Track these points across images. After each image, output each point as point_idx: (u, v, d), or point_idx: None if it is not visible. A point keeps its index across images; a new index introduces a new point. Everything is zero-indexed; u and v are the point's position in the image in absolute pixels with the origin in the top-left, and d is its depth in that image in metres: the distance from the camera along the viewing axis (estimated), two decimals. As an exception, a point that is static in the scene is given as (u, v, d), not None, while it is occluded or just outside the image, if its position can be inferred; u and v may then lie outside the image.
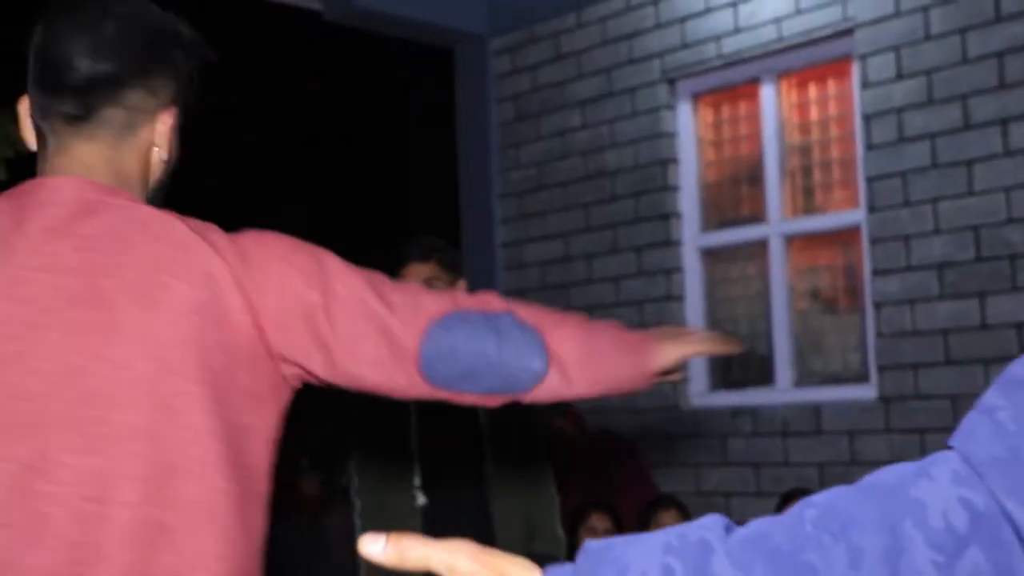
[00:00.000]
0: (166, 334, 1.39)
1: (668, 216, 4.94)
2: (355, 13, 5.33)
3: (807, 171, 4.76)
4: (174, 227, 1.44)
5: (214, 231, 1.48)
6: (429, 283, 2.88)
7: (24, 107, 1.56)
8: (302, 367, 1.49)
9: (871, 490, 0.75)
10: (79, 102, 1.49)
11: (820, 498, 0.76)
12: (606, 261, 5.09)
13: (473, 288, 3.60)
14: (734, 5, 4.72)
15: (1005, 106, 4.03)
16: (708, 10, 4.79)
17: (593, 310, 5.12)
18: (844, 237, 4.60)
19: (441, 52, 5.99)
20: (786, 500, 3.83)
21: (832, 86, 4.69)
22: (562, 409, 4.53)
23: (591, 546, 0.77)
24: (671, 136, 4.98)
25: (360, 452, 3.11)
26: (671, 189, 4.96)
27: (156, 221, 1.45)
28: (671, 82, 4.98)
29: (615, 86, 5.11)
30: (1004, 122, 4.03)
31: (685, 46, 4.88)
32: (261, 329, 1.44)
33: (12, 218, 1.43)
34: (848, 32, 4.44)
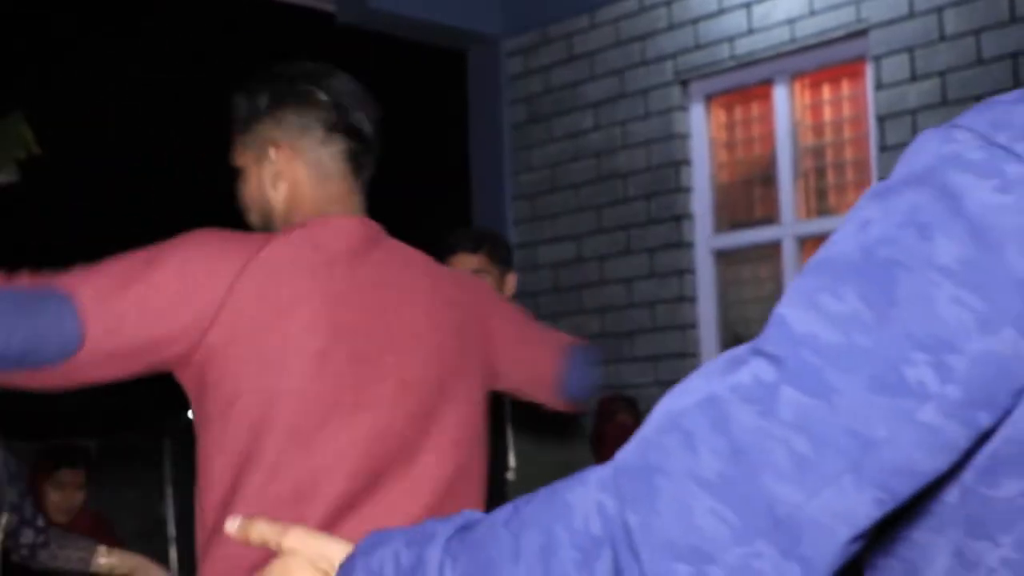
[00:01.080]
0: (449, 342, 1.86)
1: (681, 217, 4.94)
2: (368, 14, 5.34)
3: (820, 173, 4.75)
4: (425, 259, 1.93)
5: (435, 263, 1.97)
6: (477, 275, 2.89)
7: (283, 153, 1.85)
8: None
9: (547, 493, 0.84)
10: (371, 157, 1.91)
11: (521, 500, 0.86)
12: (619, 262, 5.08)
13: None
14: (747, 6, 4.71)
15: (1020, 107, 4.01)
16: (721, 11, 4.79)
17: (606, 311, 5.11)
18: (857, 239, 4.58)
19: (454, 54, 5.99)
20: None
21: (846, 87, 4.68)
22: (628, 403, 4.51)
23: (363, 540, 0.94)
24: (684, 137, 4.97)
25: None
26: (684, 190, 4.95)
27: (410, 252, 1.92)
28: (684, 83, 4.97)
29: (628, 87, 5.10)
30: (1019, 123, 4.01)
31: (698, 47, 4.87)
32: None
33: (313, 247, 1.76)
34: (862, 33, 4.43)
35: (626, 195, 5.08)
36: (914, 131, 4.25)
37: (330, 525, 1.66)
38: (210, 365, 1.67)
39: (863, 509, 0.74)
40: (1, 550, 2.93)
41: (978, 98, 4.09)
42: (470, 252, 2.99)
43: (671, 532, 0.75)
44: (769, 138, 4.85)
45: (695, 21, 4.87)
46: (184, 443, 7.16)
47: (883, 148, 4.34)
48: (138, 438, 7.65)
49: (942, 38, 4.20)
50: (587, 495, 0.80)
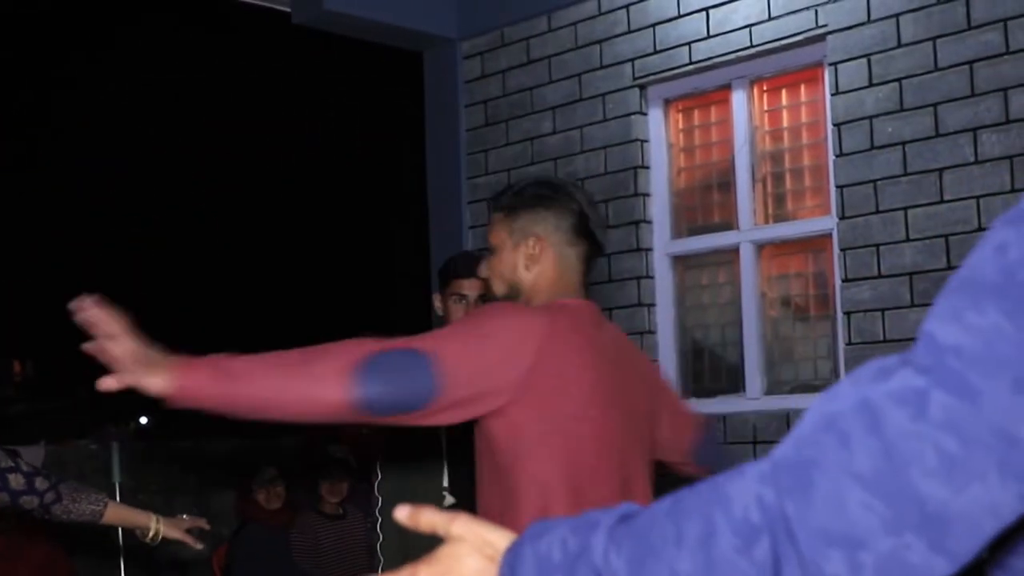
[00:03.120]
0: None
1: (639, 222, 4.91)
2: (324, 15, 5.27)
3: (778, 178, 4.74)
4: (623, 335, 2.48)
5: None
6: (480, 299, 3.01)
7: (541, 245, 2.33)
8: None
9: (707, 485, 0.92)
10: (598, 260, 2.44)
11: (682, 491, 0.94)
12: (576, 267, 5.05)
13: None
14: (706, 11, 4.69)
15: (976, 114, 4.02)
16: (680, 15, 4.77)
17: (563, 317, 5.07)
18: (815, 244, 4.58)
19: (410, 55, 5.94)
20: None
21: (804, 92, 4.68)
22: None
23: (531, 527, 1.03)
24: (642, 142, 4.95)
25: (388, 453, 3.14)
26: (642, 195, 4.93)
27: (616, 329, 2.47)
28: (642, 87, 4.95)
29: (586, 91, 5.07)
30: (974, 130, 4.03)
31: (657, 51, 4.85)
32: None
33: (577, 325, 2.23)
34: (820, 39, 4.43)
35: (584, 199, 5.04)
36: (871, 136, 4.25)
37: None
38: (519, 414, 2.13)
39: (1008, 503, 0.80)
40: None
41: (934, 105, 4.10)
42: (472, 277, 2.98)
43: (826, 521, 0.83)
44: (727, 143, 4.84)
45: (654, 25, 4.85)
46: (133, 450, 7.06)
47: (840, 153, 4.34)
48: (87, 444, 7.57)
49: (899, 44, 4.20)
50: (746, 487, 0.88)
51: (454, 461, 3.14)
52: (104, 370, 1.90)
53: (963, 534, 0.80)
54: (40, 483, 3.00)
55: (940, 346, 0.83)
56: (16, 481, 2.97)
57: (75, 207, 19.23)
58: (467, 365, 2.06)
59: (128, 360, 1.89)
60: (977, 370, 0.81)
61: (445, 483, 3.15)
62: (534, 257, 2.32)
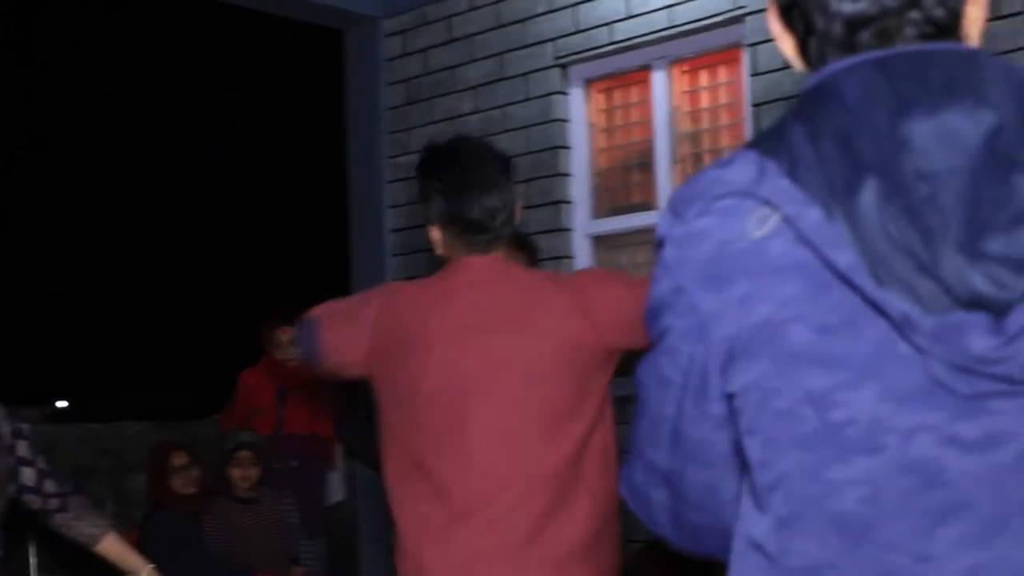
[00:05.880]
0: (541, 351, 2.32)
1: (560, 203, 4.92)
2: (242, -9, 5.19)
3: (698, 158, 4.78)
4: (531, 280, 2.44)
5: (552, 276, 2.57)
6: None
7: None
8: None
9: None
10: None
11: None
12: (497, 247, 5.04)
13: (362, 273, 3.53)
14: (626, -9, 4.70)
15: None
16: (600, -5, 4.77)
17: (484, 297, 5.07)
18: (733, 225, 4.62)
19: (331, 32, 5.87)
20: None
21: (723, 74, 4.72)
22: None
23: None
24: (563, 122, 4.95)
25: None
26: (563, 175, 4.94)
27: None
28: (564, 68, 4.95)
29: (507, 71, 5.06)
30: (889, 113, 4.09)
31: (577, 31, 4.85)
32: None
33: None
34: (739, 20, 4.46)
35: (505, 179, 5.03)
36: (789, 119, 4.29)
37: None
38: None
39: None
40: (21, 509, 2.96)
41: (851, 87, 4.15)
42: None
43: None
44: (647, 124, 4.86)
45: (575, 5, 4.85)
46: (46, 433, 6.92)
47: (759, 135, 4.38)
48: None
49: (816, 27, 4.24)
50: None
51: None
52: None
53: None
54: (49, 486, 2.96)
55: None
56: (27, 476, 2.92)
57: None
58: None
59: None
60: None
61: None
62: (436, 243, 2.51)
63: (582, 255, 4.95)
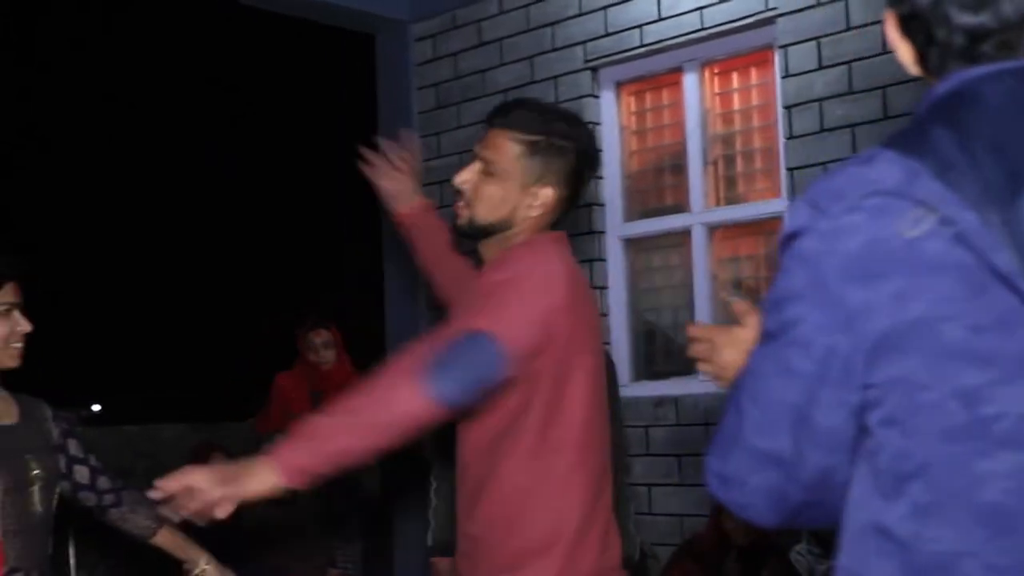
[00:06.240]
0: None
1: (591, 205, 4.92)
2: (274, -3, 5.23)
3: (730, 160, 4.77)
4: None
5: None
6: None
7: (552, 195, 2.48)
8: None
9: None
10: None
11: None
12: (529, 250, 5.05)
13: (394, 276, 3.53)
14: (657, -7, 4.70)
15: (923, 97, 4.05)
16: (631, -2, 4.77)
17: (516, 299, 5.08)
18: (766, 227, 4.61)
19: (362, 38, 5.90)
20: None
21: (754, 75, 4.70)
22: None
23: None
24: (594, 125, 4.95)
25: (437, 438, 3.16)
26: (594, 178, 4.93)
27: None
28: (594, 70, 4.95)
29: (538, 74, 5.07)
30: (923, 113, 4.06)
31: (608, 34, 4.85)
32: None
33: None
34: (770, 21, 4.45)
35: (536, 182, 5.04)
36: (821, 119, 4.28)
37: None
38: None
39: None
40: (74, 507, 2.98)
41: (883, 87, 4.13)
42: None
43: None
44: (679, 126, 4.85)
45: (605, 7, 4.85)
46: (84, 437, 6.99)
47: (790, 136, 4.36)
48: None
49: (848, 27, 4.23)
50: None
51: None
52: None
53: None
54: (103, 483, 2.96)
55: None
56: (81, 474, 2.93)
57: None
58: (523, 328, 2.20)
59: (217, 486, 1.95)
60: None
61: None
62: (544, 205, 2.43)
63: (614, 258, 4.95)
